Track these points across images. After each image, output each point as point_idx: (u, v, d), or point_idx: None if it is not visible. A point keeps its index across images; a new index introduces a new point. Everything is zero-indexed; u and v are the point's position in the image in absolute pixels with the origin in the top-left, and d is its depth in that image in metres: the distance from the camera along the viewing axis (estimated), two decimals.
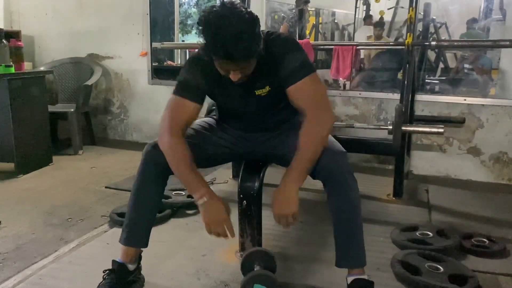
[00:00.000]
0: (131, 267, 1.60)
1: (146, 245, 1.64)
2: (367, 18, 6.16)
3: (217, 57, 1.36)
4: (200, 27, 1.34)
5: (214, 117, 1.81)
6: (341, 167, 1.48)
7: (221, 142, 1.70)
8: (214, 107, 1.84)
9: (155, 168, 1.55)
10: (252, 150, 1.73)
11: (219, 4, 1.35)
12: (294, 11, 5.84)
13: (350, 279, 1.53)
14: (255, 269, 1.58)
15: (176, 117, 1.50)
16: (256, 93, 1.56)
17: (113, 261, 1.59)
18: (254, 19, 1.34)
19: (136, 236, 1.61)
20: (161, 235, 2.12)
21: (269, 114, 1.62)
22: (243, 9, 1.33)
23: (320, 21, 7.00)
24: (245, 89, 1.54)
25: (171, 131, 1.48)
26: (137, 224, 1.61)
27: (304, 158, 1.43)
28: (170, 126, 1.49)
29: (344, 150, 1.52)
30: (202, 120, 1.77)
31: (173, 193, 2.56)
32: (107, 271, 1.57)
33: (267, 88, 1.55)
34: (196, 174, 1.49)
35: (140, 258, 1.66)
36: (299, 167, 1.44)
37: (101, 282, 1.56)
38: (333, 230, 1.53)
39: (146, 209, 1.61)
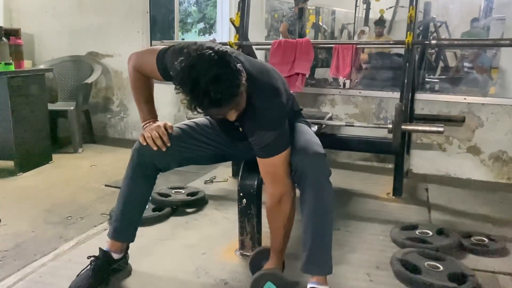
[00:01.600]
0: (116, 256, 1.66)
1: (132, 240, 1.70)
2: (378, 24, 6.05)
3: (204, 109, 1.29)
4: (177, 88, 1.29)
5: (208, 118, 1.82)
6: (317, 170, 1.47)
7: (206, 142, 1.72)
8: None
9: (144, 164, 1.61)
10: (233, 153, 1.78)
11: (185, 56, 1.29)
12: (293, 9, 5.85)
13: (309, 285, 1.52)
14: (263, 267, 1.61)
15: (144, 65, 1.61)
16: (235, 124, 1.55)
17: (99, 249, 1.65)
18: (224, 55, 1.28)
19: (123, 231, 1.67)
20: (160, 234, 2.12)
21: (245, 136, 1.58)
22: (210, 50, 1.27)
23: (320, 20, 7.00)
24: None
25: (135, 67, 1.63)
26: (124, 219, 1.66)
27: (277, 241, 1.60)
28: (138, 64, 1.63)
29: (323, 152, 1.51)
30: (192, 120, 1.79)
31: (172, 192, 2.56)
32: (92, 257, 1.62)
33: (242, 128, 1.55)
34: (148, 106, 1.67)
35: (127, 248, 1.72)
36: (276, 251, 1.62)
37: (85, 267, 1.60)
38: (302, 233, 1.52)
39: (133, 205, 1.66)
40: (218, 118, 1.43)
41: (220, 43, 1.57)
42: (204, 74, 1.23)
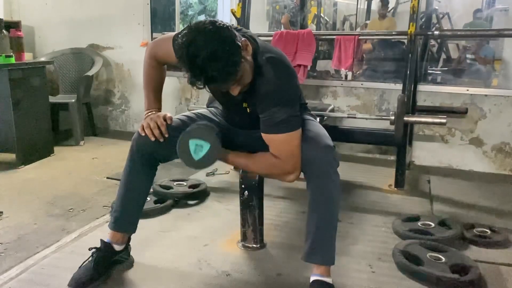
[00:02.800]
0: (117, 247, 1.66)
1: (133, 231, 1.70)
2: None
3: (203, 85, 1.31)
4: (179, 63, 1.31)
5: (212, 109, 1.82)
6: (325, 161, 1.47)
7: None
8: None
9: (143, 155, 1.60)
10: (234, 145, 1.75)
11: (186, 31, 1.30)
12: (295, 0, 5.81)
13: (312, 278, 1.51)
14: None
15: (160, 51, 1.60)
16: (243, 105, 1.57)
17: (101, 240, 1.65)
18: (223, 30, 1.28)
19: (124, 222, 1.66)
20: (162, 226, 2.12)
21: (253, 121, 1.57)
22: (210, 26, 1.28)
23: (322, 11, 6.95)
24: (236, 99, 1.53)
25: (151, 54, 1.64)
26: (124, 210, 1.65)
27: (251, 159, 1.57)
28: (154, 51, 1.63)
29: (332, 144, 1.51)
30: (193, 112, 1.79)
31: (174, 184, 2.56)
32: (93, 249, 1.62)
33: (250, 109, 1.56)
34: (156, 95, 1.67)
35: (128, 240, 1.71)
36: (239, 157, 1.59)
37: (87, 259, 1.60)
38: (306, 222, 1.52)
39: (134, 195, 1.66)
40: (222, 92, 1.42)
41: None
42: (201, 51, 1.24)
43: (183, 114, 1.74)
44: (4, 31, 3.01)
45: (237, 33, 1.34)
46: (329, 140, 1.52)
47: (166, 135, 1.57)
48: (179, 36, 1.31)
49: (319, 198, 1.49)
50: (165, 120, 1.60)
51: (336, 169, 1.50)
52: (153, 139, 1.56)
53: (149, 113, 1.63)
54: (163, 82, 1.71)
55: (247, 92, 1.47)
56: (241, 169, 1.65)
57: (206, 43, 1.25)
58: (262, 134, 1.49)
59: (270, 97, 1.43)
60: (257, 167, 1.58)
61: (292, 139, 1.46)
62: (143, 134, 1.57)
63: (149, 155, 1.61)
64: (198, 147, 1.46)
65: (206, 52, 1.24)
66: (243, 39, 1.36)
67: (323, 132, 1.57)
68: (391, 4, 5.87)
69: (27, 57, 3.52)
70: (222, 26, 1.29)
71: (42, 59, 3.93)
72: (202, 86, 1.32)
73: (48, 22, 4.29)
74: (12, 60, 2.99)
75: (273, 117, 1.43)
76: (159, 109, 1.67)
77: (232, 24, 1.48)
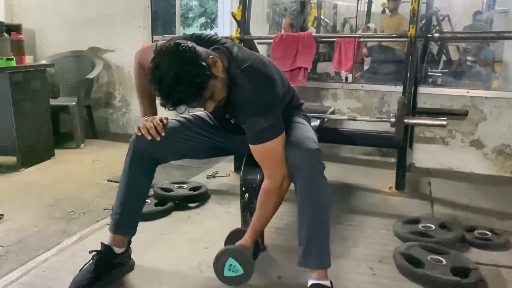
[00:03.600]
0: (118, 250, 1.65)
1: (133, 233, 1.70)
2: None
3: (173, 107, 1.34)
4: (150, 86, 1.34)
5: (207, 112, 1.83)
6: (309, 165, 1.47)
7: (203, 134, 1.73)
8: None
9: (141, 155, 1.61)
10: (230, 147, 1.79)
11: (153, 53, 1.33)
12: (295, 3, 5.81)
13: (309, 282, 1.51)
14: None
15: (147, 58, 1.57)
16: (226, 117, 1.60)
17: (101, 243, 1.64)
18: (185, 52, 1.30)
19: (123, 224, 1.66)
20: (163, 228, 2.12)
21: (240, 129, 1.56)
22: (173, 49, 1.30)
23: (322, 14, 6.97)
24: (219, 111, 1.55)
25: (140, 62, 1.68)
26: (124, 212, 1.65)
27: (261, 222, 1.59)
28: (142, 59, 1.66)
29: (316, 147, 1.51)
30: (191, 114, 1.81)
31: (175, 186, 2.56)
32: (94, 252, 1.62)
33: (233, 120, 1.58)
34: (149, 101, 1.70)
35: (129, 242, 1.71)
36: (254, 231, 1.59)
37: (87, 262, 1.60)
38: (297, 228, 1.52)
39: (133, 197, 1.66)
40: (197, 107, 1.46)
41: (222, 37, 1.57)
42: (165, 75, 1.28)
43: (181, 116, 1.75)
44: (5, 34, 3.02)
45: (203, 52, 1.35)
46: (312, 143, 1.52)
47: (163, 134, 1.60)
48: (149, 61, 1.34)
49: (307, 203, 1.49)
50: (161, 120, 1.62)
51: (322, 172, 1.49)
52: (149, 138, 1.58)
53: (146, 118, 1.66)
54: None
55: (226, 105, 1.49)
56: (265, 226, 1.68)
57: (170, 67, 1.28)
58: (250, 145, 1.50)
59: (248, 108, 1.44)
60: (267, 208, 1.57)
61: (275, 146, 1.47)
62: (140, 134, 1.58)
63: (146, 155, 1.61)
64: (233, 267, 1.51)
65: (170, 76, 1.27)
66: (210, 56, 1.36)
67: (309, 135, 1.57)
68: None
69: (28, 60, 3.53)
70: (185, 48, 1.31)
71: (43, 62, 3.94)
72: (172, 108, 1.34)
73: (49, 25, 4.29)
74: (13, 63, 2.99)
75: (254, 127, 1.45)
76: (155, 114, 1.69)
77: (209, 35, 1.54)
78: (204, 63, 1.32)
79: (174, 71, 1.27)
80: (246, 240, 1.58)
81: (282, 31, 5.36)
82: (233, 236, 1.69)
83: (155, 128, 1.59)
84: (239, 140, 1.70)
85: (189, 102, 1.33)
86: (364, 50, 4.75)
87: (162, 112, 1.73)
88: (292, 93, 1.73)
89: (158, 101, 1.39)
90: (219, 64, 1.39)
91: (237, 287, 1.55)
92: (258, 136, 1.45)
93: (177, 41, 1.34)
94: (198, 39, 1.51)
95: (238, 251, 1.53)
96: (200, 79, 1.31)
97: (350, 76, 3.75)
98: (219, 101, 1.44)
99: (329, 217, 1.52)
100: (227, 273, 1.52)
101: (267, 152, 1.48)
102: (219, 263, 1.53)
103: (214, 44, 1.49)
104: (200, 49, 1.36)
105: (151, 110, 1.69)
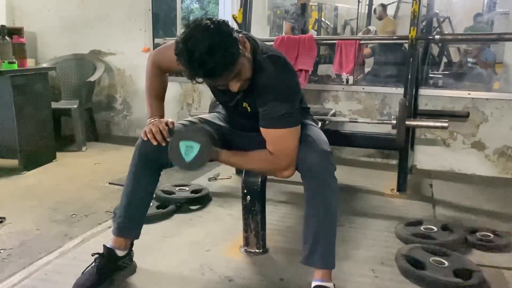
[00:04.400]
0: (120, 253, 1.65)
1: (137, 237, 1.70)
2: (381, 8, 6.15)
3: (200, 79, 1.34)
4: (177, 60, 1.33)
5: (215, 113, 1.83)
6: (321, 166, 1.47)
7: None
8: (217, 102, 1.85)
9: (146, 160, 1.61)
10: (235, 148, 1.76)
11: (184, 28, 1.33)
12: (295, 6, 5.82)
13: (313, 284, 1.51)
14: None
15: (163, 58, 1.62)
16: (244, 105, 1.59)
17: (104, 246, 1.64)
18: (220, 25, 1.31)
19: (126, 227, 1.66)
20: (165, 231, 2.12)
21: (255, 122, 1.57)
22: (207, 22, 1.31)
23: (322, 16, 6.97)
24: (236, 98, 1.56)
25: (154, 61, 1.67)
26: (128, 216, 1.65)
27: (245, 156, 1.55)
28: (157, 59, 1.66)
29: (329, 149, 1.51)
30: (195, 116, 1.81)
31: (176, 189, 2.56)
32: (96, 255, 1.62)
33: (250, 108, 1.57)
34: (158, 103, 1.69)
35: (131, 245, 1.71)
36: (234, 155, 1.56)
37: (90, 265, 1.60)
38: (304, 226, 1.52)
39: (137, 201, 1.66)
40: (221, 85, 1.43)
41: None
42: (199, 45, 1.26)
43: (186, 119, 1.76)
44: (7, 38, 3.02)
45: (234, 29, 1.36)
46: (326, 146, 1.53)
47: (169, 139, 1.58)
48: (178, 35, 1.36)
49: (316, 203, 1.49)
50: (167, 125, 1.61)
51: (333, 174, 1.50)
52: (155, 143, 1.57)
53: (152, 120, 1.65)
54: (165, 90, 1.72)
55: (246, 90, 1.48)
56: (236, 168, 1.65)
57: (204, 37, 1.27)
58: (261, 129, 1.49)
59: (270, 91, 1.44)
60: (252, 164, 1.57)
61: (289, 135, 1.47)
62: (145, 139, 1.58)
63: (152, 160, 1.61)
64: (189, 149, 1.46)
65: (203, 45, 1.26)
66: (240, 35, 1.38)
67: (322, 137, 1.58)
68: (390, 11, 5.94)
69: (30, 63, 3.53)
70: (219, 21, 1.32)
71: (45, 65, 3.94)
72: (201, 81, 1.34)
73: (50, 28, 4.31)
74: (15, 66, 3.00)
75: (272, 111, 1.44)
76: (162, 117, 1.68)
77: (234, 28, 1.50)
78: (236, 37, 1.33)
79: (209, 41, 1.26)
80: (226, 153, 1.56)
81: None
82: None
83: (161, 133, 1.58)
84: (244, 141, 1.69)
85: (220, 73, 1.31)
86: (368, 51, 4.75)
87: (167, 113, 1.74)
88: (302, 95, 1.74)
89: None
90: (247, 44, 1.40)
91: (204, 166, 1.50)
92: (275, 120, 1.45)
93: (209, 16, 1.35)
94: None
95: (183, 131, 1.51)
96: (234, 50, 1.31)
97: (350, 78, 3.74)
98: (243, 83, 1.43)
99: (336, 218, 1.52)
100: (187, 157, 1.47)
101: (280, 139, 1.47)
102: (175, 154, 1.47)
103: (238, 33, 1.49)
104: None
105: (158, 112, 1.69)
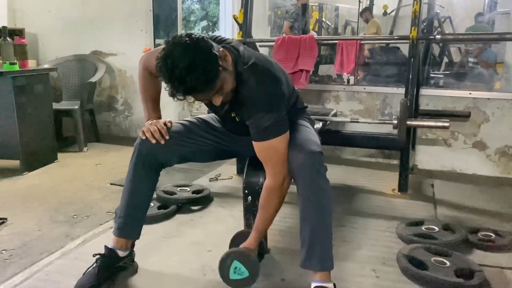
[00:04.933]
0: (121, 253, 1.66)
1: (137, 237, 1.71)
2: (365, 12, 6.29)
3: (183, 96, 1.33)
4: (159, 76, 1.33)
5: (213, 115, 1.85)
6: (311, 168, 1.47)
7: (207, 137, 1.74)
8: None
9: (145, 159, 1.62)
10: (235, 149, 1.80)
11: (164, 45, 1.33)
12: (295, 6, 5.82)
13: (313, 285, 1.51)
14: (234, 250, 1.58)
15: (152, 63, 1.60)
16: (232, 115, 1.60)
17: (105, 247, 1.65)
18: (199, 41, 1.31)
19: (127, 228, 1.67)
20: (166, 231, 2.13)
21: (245, 128, 1.57)
22: (186, 39, 1.30)
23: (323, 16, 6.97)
24: (224, 109, 1.57)
25: (144, 66, 1.68)
26: (128, 216, 1.66)
27: (264, 222, 1.60)
28: (147, 63, 1.66)
29: (318, 150, 1.51)
30: (195, 117, 1.82)
31: (178, 189, 2.56)
32: (98, 255, 1.62)
33: (238, 118, 1.58)
34: (154, 105, 1.71)
35: (132, 246, 1.71)
36: (258, 232, 1.60)
37: (91, 265, 1.61)
38: (300, 230, 1.53)
39: (137, 200, 1.67)
40: (205, 103, 1.47)
41: (228, 38, 1.58)
42: (178, 63, 1.27)
43: (185, 119, 1.78)
44: (8, 39, 3.03)
45: (214, 44, 1.36)
46: (315, 146, 1.52)
47: (167, 137, 1.60)
48: (158, 52, 1.34)
49: (309, 205, 1.49)
50: (165, 124, 1.63)
51: (324, 174, 1.50)
52: (153, 141, 1.58)
53: (150, 122, 1.66)
54: (159, 92, 1.72)
55: (232, 101, 1.49)
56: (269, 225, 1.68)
57: (183, 54, 1.27)
58: (253, 142, 1.51)
59: (254, 104, 1.45)
60: (270, 208, 1.58)
61: (279, 144, 1.48)
62: (144, 138, 1.59)
63: (151, 159, 1.62)
64: (238, 270, 1.52)
65: (183, 63, 1.26)
66: (221, 49, 1.38)
67: (311, 138, 1.58)
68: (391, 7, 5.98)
69: (31, 64, 3.54)
70: (198, 38, 1.32)
71: (46, 66, 3.95)
72: (182, 98, 1.34)
73: (51, 29, 4.31)
74: (16, 68, 3.01)
75: (259, 123, 1.45)
76: (159, 118, 1.70)
77: (214, 35, 1.53)
78: (216, 53, 1.33)
79: (188, 59, 1.26)
80: (250, 242, 1.59)
81: (283, 35, 5.39)
82: (237, 239, 1.70)
83: (159, 131, 1.60)
84: (242, 142, 1.71)
85: (201, 90, 1.32)
86: (366, 52, 4.76)
87: (166, 114, 1.75)
88: (296, 96, 1.74)
89: (165, 98, 1.38)
90: (228, 58, 1.40)
91: None
92: (262, 133, 1.46)
93: (188, 32, 1.36)
94: None
95: (242, 253, 1.54)
96: (214, 67, 1.31)
97: (351, 78, 3.74)
98: (226, 95, 1.44)
99: (331, 219, 1.52)
100: (232, 276, 1.52)
101: (270, 150, 1.48)
102: (224, 266, 1.53)
103: (220, 43, 1.49)
104: (210, 41, 1.37)
105: (155, 114, 1.70)
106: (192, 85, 1.28)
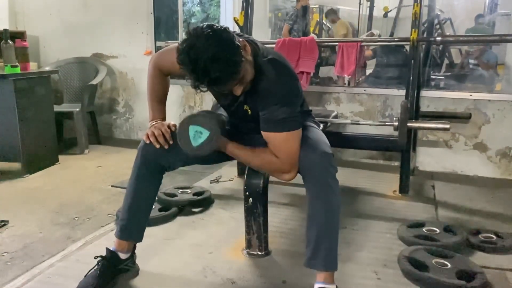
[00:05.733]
0: (123, 256, 1.66)
1: (139, 240, 1.70)
2: (330, 13, 6.40)
3: (207, 87, 1.34)
4: (181, 68, 1.33)
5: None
6: (322, 168, 1.47)
7: None
8: (218, 104, 1.86)
9: (149, 163, 1.62)
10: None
11: (186, 36, 1.33)
12: (295, 8, 5.83)
13: (315, 286, 1.51)
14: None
15: (164, 62, 1.64)
16: (244, 108, 1.59)
17: (106, 249, 1.65)
18: (221, 32, 1.31)
19: (129, 230, 1.67)
20: (167, 233, 2.13)
21: (256, 125, 1.58)
22: (208, 30, 1.30)
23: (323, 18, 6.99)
24: (238, 101, 1.57)
25: (156, 64, 1.68)
26: (130, 219, 1.65)
27: (250, 152, 1.56)
28: (158, 62, 1.67)
29: (330, 151, 1.52)
30: None
31: (179, 191, 2.56)
32: (99, 258, 1.62)
33: (251, 111, 1.58)
34: (160, 105, 1.70)
35: (134, 248, 1.72)
36: (239, 148, 1.56)
37: (92, 267, 1.61)
38: (306, 229, 1.52)
39: (140, 203, 1.66)
40: (225, 95, 1.45)
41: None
42: (202, 54, 1.26)
43: None
44: (10, 41, 3.04)
45: (235, 35, 1.37)
46: (327, 147, 1.53)
47: (171, 142, 1.59)
48: (179, 43, 1.34)
49: (318, 205, 1.49)
50: (169, 127, 1.62)
51: (334, 175, 1.50)
52: (157, 146, 1.57)
53: (154, 123, 1.65)
54: (167, 93, 1.73)
55: (248, 92, 1.49)
56: (240, 161, 1.65)
57: (206, 46, 1.27)
58: (262, 132, 1.50)
59: (271, 95, 1.45)
60: (256, 161, 1.57)
61: (290, 139, 1.47)
62: (148, 142, 1.58)
63: (154, 162, 1.62)
64: (197, 134, 1.47)
65: (207, 54, 1.26)
66: (241, 39, 1.39)
67: (323, 139, 1.58)
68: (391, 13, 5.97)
69: (32, 66, 3.54)
70: (219, 29, 1.32)
71: (47, 68, 3.96)
72: (205, 89, 1.34)
73: (52, 32, 4.32)
74: (18, 70, 3.01)
75: (273, 115, 1.45)
76: (164, 120, 1.69)
77: (235, 31, 1.51)
78: (238, 44, 1.33)
79: (211, 50, 1.26)
80: (233, 145, 1.56)
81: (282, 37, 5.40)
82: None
83: (163, 135, 1.59)
84: (245, 142, 1.70)
85: (225, 81, 1.32)
86: (369, 52, 4.76)
87: (167, 116, 1.75)
88: (303, 98, 1.74)
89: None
90: (248, 48, 1.40)
91: (211, 150, 1.50)
92: (276, 124, 1.46)
93: (209, 23, 1.35)
94: None
95: (193, 117, 1.51)
96: (237, 58, 1.31)
97: (351, 80, 3.74)
98: (246, 85, 1.44)
99: (338, 221, 1.52)
100: (195, 141, 1.48)
101: (281, 142, 1.48)
102: (183, 137, 1.48)
103: (238, 37, 1.49)
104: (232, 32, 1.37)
105: (160, 115, 1.70)
106: (216, 76, 1.28)
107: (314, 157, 1.47)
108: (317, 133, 1.62)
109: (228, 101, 1.61)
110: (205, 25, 1.33)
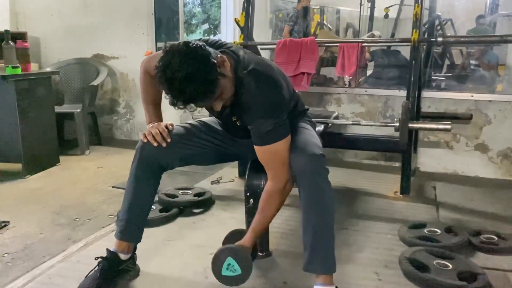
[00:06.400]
0: (123, 256, 1.66)
1: (139, 240, 1.71)
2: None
3: (183, 105, 1.34)
4: (158, 85, 1.34)
5: (214, 118, 1.85)
6: (313, 171, 1.47)
7: (209, 140, 1.75)
8: None
9: (147, 162, 1.62)
10: (236, 152, 1.80)
11: (162, 54, 1.33)
12: (295, 9, 5.83)
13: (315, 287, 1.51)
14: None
15: (153, 67, 1.61)
16: (233, 119, 1.60)
17: (107, 250, 1.65)
18: (197, 50, 1.31)
19: (129, 231, 1.67)
20: (168, 234, 2.13)
21: (246, 132, 1.58)
22: (183, 47, 1.31)
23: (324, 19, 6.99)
24: (225, 113, 1.58)
25: (145, 70, 1.69)
26: (130, 219, 1.66)
27: (262, 223, 1.60)
28: (147, 67, 1.67)
29: (320, 152, 1.51)
30: (197, 119, 1.83)
31: (179, 192, 2.56)
32: (100, 258, 1.62)
33: (239, 122, 1.58)
34: (155, 108, 1.72)
35: (134, 249, 1.72)
36: (254, 233, 1.59)
37: (93, 268, 1.61)
38: (302, 233, 1.53)
39: (139, 204, 1.67)
40: (207, 108, 1.48)
41: (228, 42, 1.59)
42: (177, 73, 1.27)
43: (186, 122, 1.78)
44: (11, 42, 3.04)
45: (211, 51, 1.36)
46: (316, 149, 1.52)
47: (168, 140, 1.61)
48: (156, 61, 1.34)
49: (311, 208, 1.49)
50: (166, 127, 1.63)
51: (326, 177, 1.50)
52: (155, 144, 1.59)
53: (151, 125, 1.67)
54: (161, 95, 1.72)
55: (233, 105, 1.50)
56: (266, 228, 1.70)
57: (181, 64, 1.28)
58: (254, 146, 1.51)
59: (254, 107, 1.46)
60: (269, 213, 1.59)
61: (279, 149, 1.49)
62: (145, 141, 1.59)
63: (152, 162, 1.63)
64: (231, 267, 1.51)
65: (181, 73, 1.27)
66: (219, 55, 1.38)
67: (312, 140, 1.58)
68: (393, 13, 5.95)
69: (33, 67, 3.55)
70: (195, 46, 1.32)
71: (48, 69, 3.96)
72: (182, 107, 1.35)
73: (53, 33, 4.33)
74: (19, 71, 3.02)
75: (260, 128, 1.46)
76: (160, 121, 1.71)
77: (214, 40, 1.54)
78: (214, 61, 1.33)
79: (186, 69, 1.27)
80: (246, 240, 1.59)
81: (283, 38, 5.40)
82: (232, 236, 1.69)
83: (161, 134, 1.60)
84: (244, 145, 1.71)
85: (201, 100, 1.33)
86: (367, 55, 4.76)
87: (167, 117, 1.75)
88: (297, 98, 1.74)
89: (166, 100, 1.39)
90: (227, 63, 1.40)
91: (233, 287, 1.54)
92: (263, 138, 1.47)
93: (186, 40, 1.36)
94: (205, 43, 1.52)
95: (237, 251, 1.53)
96: (212, 77, 1.31)
97: (351, 81, 3.73)
98: (226, 101, 1.45)
99: (333, 222, 1.52)
100: (224, 272, 1.51)
101: (272, 154, 1.49)
102: (217, 262, 1.52)
103: (220, 48, 1.50)
104: (209, 48, 1.37)
105: (156, 117, 1.71)
106: (192, 95, 1.30)
107: (303, 160, 1.47)
108: (307, 134, 1.62)
109: (217, 113, 1.62)
110: (181, 43, 1.33)
